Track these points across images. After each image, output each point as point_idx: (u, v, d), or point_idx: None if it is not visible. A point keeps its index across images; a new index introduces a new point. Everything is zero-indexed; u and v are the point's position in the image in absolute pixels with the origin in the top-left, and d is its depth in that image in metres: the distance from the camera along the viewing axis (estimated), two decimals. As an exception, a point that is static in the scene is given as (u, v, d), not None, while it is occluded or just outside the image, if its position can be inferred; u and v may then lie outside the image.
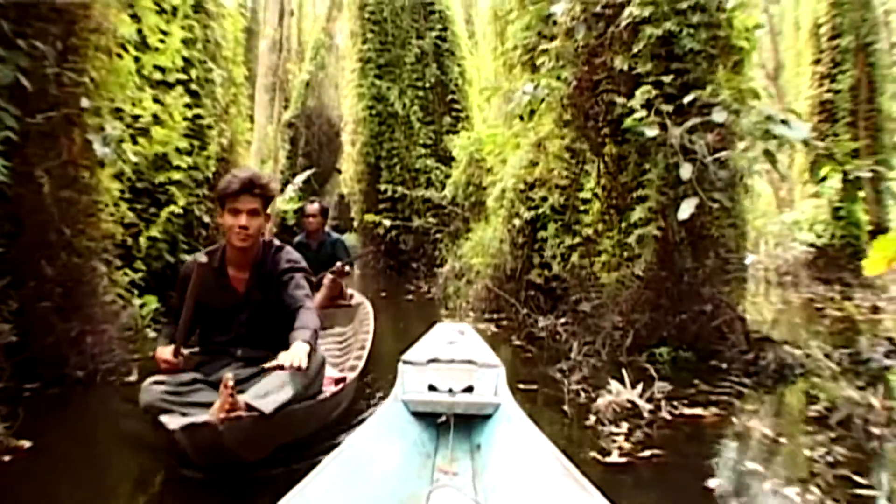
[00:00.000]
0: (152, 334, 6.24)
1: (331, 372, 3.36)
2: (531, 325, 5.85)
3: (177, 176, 6.20)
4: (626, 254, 5.33)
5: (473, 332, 3.44)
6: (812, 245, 9.90)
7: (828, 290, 8.83)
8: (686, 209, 4.01)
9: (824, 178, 10.28)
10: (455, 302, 7.53)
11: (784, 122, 3.92)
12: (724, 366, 4.47)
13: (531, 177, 6.87)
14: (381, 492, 2.07)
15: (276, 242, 3.03)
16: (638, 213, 4.50)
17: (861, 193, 9.94)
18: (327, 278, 5.68)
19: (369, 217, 11.72)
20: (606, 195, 5.39)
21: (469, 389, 2.57)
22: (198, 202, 7.23)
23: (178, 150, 6.42)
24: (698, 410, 3.47)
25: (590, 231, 5.69)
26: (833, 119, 11.97)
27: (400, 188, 12.08)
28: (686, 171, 4.08)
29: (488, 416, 2.49)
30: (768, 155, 4.08)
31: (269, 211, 2.96)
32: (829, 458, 2.79)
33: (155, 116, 5.98)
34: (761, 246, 10.46)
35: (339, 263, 5.68)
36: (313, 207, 6.13)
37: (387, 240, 12.24)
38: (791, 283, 9.49)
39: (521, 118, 5.29)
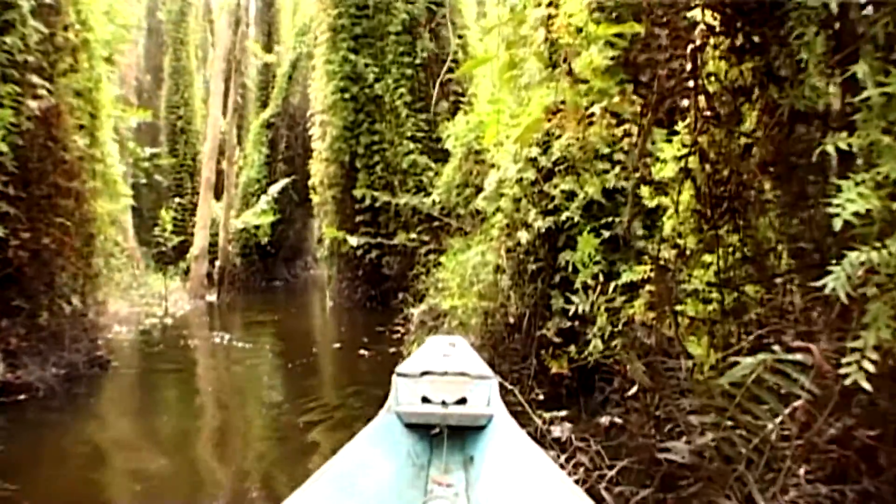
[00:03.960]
0: None
1: None
2: (545, 439, 2.91)
3: None
4: (741, 293, 2.39)
5: (466, 344, 3.10)
6: None
7: None
8: None
9: None
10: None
11: None
12: None
13: (548, 158, 3.97)
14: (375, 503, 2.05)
15: None
16: (851, 201, 1.53)
17: None
18: None
19: (331, 232, 8.81)
20: (711, 173, 2.41)
21: (462, 401, 2.43)
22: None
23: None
24: None
25: (668, 252, 2.71)
26: None
27: (381, 194, 9.22)
28: None
29: (481, 428, 2.36)
30: None
31: None
32: None
33: None
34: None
35: None
36: None
37: (366, 263, 9.39)
38: None
39: None
